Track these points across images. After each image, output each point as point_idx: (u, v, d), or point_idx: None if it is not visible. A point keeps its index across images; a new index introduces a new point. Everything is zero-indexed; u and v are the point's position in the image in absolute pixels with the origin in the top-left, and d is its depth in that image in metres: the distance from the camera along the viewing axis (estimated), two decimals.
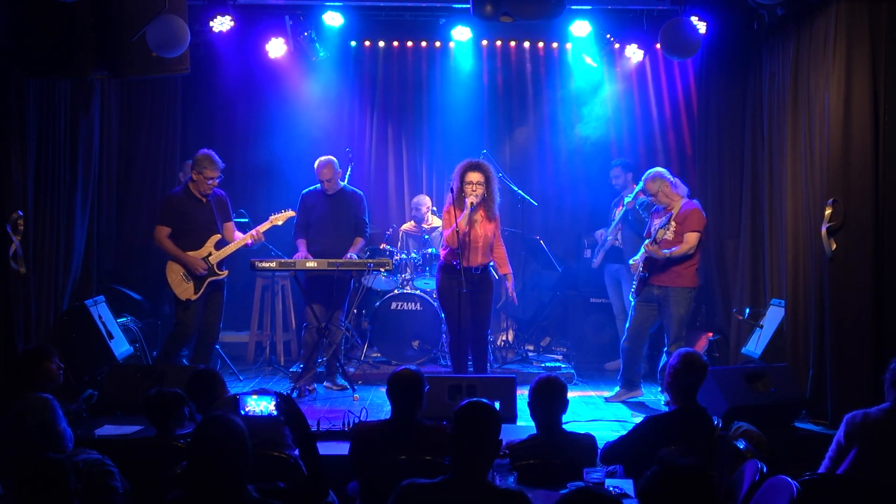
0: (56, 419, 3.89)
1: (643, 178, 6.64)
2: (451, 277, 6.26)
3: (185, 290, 6.48)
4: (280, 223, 6.83)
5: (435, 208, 8.49)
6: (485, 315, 6.44)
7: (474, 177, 6.22)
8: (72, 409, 5.34)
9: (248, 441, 2.89)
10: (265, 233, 6.82)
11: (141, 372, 5.79)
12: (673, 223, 6.37)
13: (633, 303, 6.63)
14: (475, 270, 6.30)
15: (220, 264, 6.58)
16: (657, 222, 6.49)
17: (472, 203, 6.17)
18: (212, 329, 6.65)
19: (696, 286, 6.53)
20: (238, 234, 6.74)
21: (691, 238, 6.32)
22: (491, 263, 6.47)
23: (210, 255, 6.52)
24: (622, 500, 3.45)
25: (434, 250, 7.77)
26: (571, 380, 7.28)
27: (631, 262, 6.72)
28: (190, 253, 6.48)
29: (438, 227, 8.23)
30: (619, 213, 7.55)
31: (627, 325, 6.66)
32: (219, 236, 6.61)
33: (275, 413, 3.49)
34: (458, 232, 6.13)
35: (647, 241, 6.42)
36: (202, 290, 6.49)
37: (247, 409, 3.51)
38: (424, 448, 3.74)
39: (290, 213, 6.89)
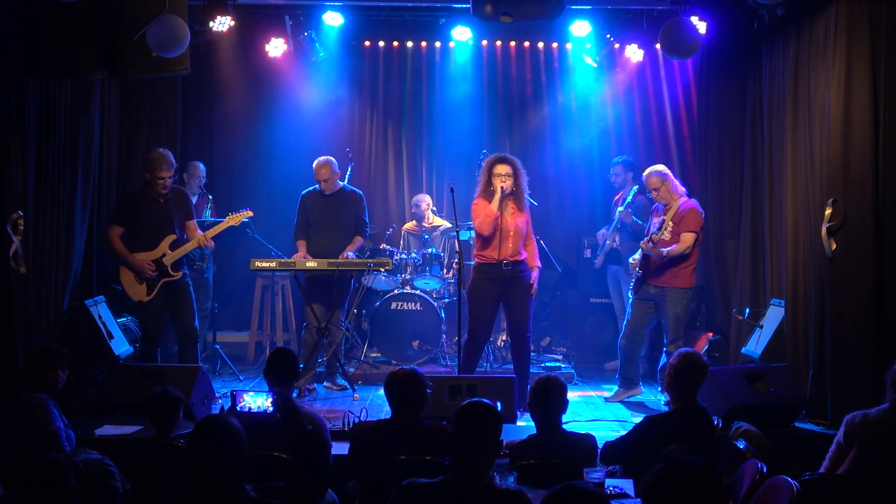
0: (50, 419, 3.89)
1: (645, 173, 6.62)
2: (485, 277, 6.21)
3: (137, 291, 6.43)
4: (236, 224, 6.75)
5: (435, 208, 8.50)
6: (522, 317, 6.29)
7: (503, 169, 6.20)
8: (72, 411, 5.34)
9: (244, 441, 2.90)
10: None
11: (141, 372, 5.78)
12: (670, 223, 6.37)
13: (630, 300, 6.63)
14: (506, 266, 6.21)
15: (175, 265, 6.46)
16: (656, 220, 6.49)
17: (502, 188, 6.15)
18: (187, 328, 6.55)
19: (693, 286, 6.53)
20: (199, 234, 6.64)
21: (687, 238, 6.32)
22: (524, 264, 6.31)
23: (164, 255, 6.43)
24: (622, 500, 3.46)
25: (434, 250, 7.77)
26: (571, 380, 7.27)
27: (630, 260, 6.73)
28: (141, 254, 6.38)
29: (440, 227, 8.24)
30: (617, 214, 7.55)
31: (624, 322, 6.67)
32: (174, 236, 6.47)
33: (271, 410, 3.49)
34: (489, 217, 6.09)
35: (644, 240, 6.43)
36: (155, 292, 6.42)
37: (242, 406, 3.51)
38: (424, 448, 3.74)
39: (247, 214, 6.81)
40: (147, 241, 6.43)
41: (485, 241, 6.22)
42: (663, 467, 2.53)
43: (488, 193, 6.22)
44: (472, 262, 6.40)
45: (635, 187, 7.25)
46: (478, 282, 6.27)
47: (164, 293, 6.46)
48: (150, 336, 6.52)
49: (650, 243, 6.32)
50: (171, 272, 6.45)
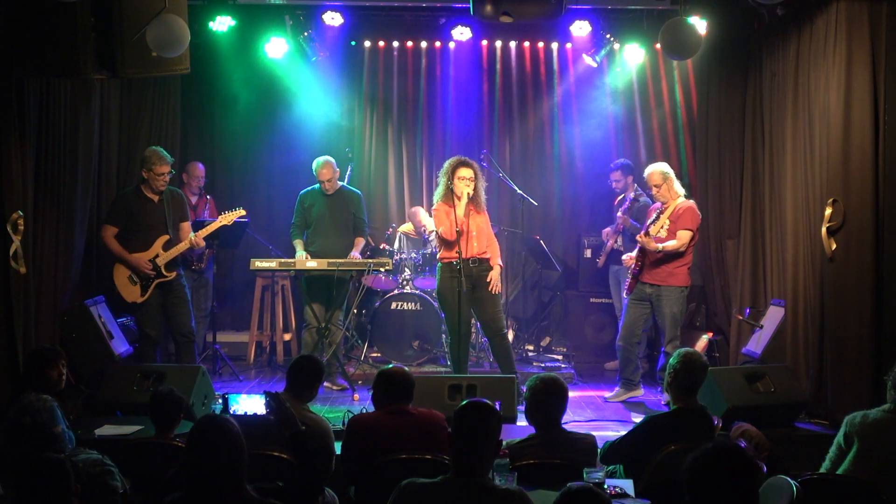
0: (53, 421, 3.89)
1: (648, 169, 6.60)
2: (451, 276, 6.27)
3: (130, 292, 6.43)
4: (228, 223, 6.74)
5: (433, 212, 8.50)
6: (492, 312, 6.38)
7: (466, 172, 6.29)
8: (72, 411, 5.33)
9: (243, 441, 2.89)
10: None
11: (141, 372, 5.79)
12: (667, 221, 6.37)
13: (625, 300, 6.63)
14: (473, 262, 6.29)
15: (169, 266, 6.46)
16: (650, 220, 6.49)
17: (469, 194, 6.24)
18: (182, 329, 6.53)
19: (688, 286, 6.53)
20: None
21: (683, 236, 6.33)
22: (489, 262, 6.40)
23: (157, 256, 6.43)
24: (622, 500, 3.46)
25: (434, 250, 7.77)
26: (571, 380, 7.27)
27: (625, 256, 6.74)
28: (136, 254, 6.41)
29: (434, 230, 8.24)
30: (619, 216, 7.55)
31: (620, 323, 6.67)
32: (167, 237, 6.47)
33: (264, 412, 3.49)
34: (455, 221, 6.15)
35: (640, 234, 6.42)
36: (149, 293, 6.43)
37: (235, 409, 3.51)
38: (417, 435, 3.74)
39: (240, 213, 6.81)
40: (141, 242, 6.43)
41: (450, 244, 6.29)
42: (714, 448, 2.51)
43: (450, 197, 6.26)
44: (438, 264, 6.45)
45: (634, 193, 7.24)
46: (446, 280, 6.33)
47: (159, 294, 6.46)
48: (146, 337, 6.51)
49: (646, 235, 6.32)
50: (165, 273, 6.44)
